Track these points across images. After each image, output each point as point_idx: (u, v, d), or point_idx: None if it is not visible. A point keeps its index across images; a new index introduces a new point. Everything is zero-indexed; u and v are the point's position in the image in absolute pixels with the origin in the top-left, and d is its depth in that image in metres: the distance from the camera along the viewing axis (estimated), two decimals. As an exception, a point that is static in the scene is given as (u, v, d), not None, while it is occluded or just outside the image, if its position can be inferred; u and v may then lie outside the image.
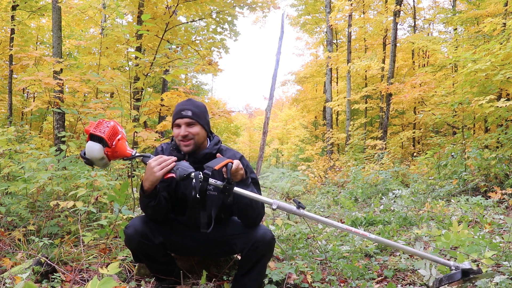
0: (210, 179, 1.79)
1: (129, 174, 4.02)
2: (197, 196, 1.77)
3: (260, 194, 2.04)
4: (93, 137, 1.80)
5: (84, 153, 1.82)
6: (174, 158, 1.83)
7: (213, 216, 1.92)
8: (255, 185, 2.04)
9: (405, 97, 11.30)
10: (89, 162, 1.83)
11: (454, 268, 1.82)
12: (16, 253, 2.47)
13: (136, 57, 5.15)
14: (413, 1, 15.80)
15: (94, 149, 1.79)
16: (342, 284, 2.34)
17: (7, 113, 9.93)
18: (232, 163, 1.80)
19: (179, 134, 1.99)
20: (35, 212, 3.12)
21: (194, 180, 1.78)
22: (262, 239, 1.90)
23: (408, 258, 2.73)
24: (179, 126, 2.00)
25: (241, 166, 1.85)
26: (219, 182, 1.80)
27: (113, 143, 1.82)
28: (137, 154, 1.87)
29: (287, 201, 7.24)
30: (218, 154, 1.92)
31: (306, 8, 18.96)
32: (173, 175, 1.79)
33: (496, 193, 4.27)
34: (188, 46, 8.30)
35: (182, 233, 2.09)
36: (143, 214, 2.08)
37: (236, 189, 1.79)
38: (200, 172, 1.79)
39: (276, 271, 2.29)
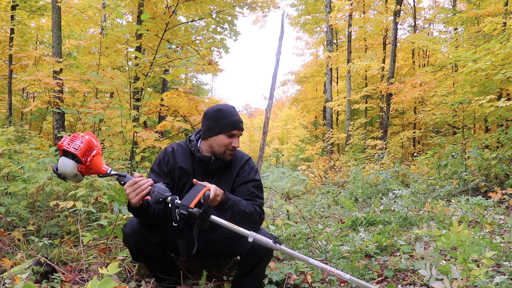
0: (191, 207, 1.72)
1: (129, 174, 4.01)
2: (176, 224, 1.72)
3: (262, 196, 2.03)
4: (66, 153, 1.72)
5: (57, 169, 1.73)
6: (150, 182, 1.76)
7: (195, 235, 1.82)
8: (258, 188, 2.02)
9: (405, 97, 11.30)
10: (62, 177, 1.75)
11: None
12: (16, 253, 2.46)
13: (136, 57, 5.15)
14: (413, 1, 15.80)
15: (67, 165, 1.71)
16: (342, 284, 2.33)
17: (7, 113, 9.94)
18: (210, 190, 1.74)
19: (230, 143, 1.99)
20: (35, 212, 3.12)
21: (170, 205, 1.72)
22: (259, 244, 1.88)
23: (408, 258, 2.73)
24: (233, 136, 2.00)
25: (218, 192, 1.78)
26: (195, 209, 1.72)
27: (88, 160, 1.75)
28: (112, 173, 1.80)
29: (287, 201, 7.23)
30: (194, 180, 1.84)
31: (306, 8, 18.96)
32: (149, 198, 1.74)
33: (496, 193, 4.27)
34: (188, 46, 8.30)
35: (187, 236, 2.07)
36: None
37: (213, 217, 1.73)
38: (177, 197, 1.74)
39: (276, 271, 2.29)
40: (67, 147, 1.72)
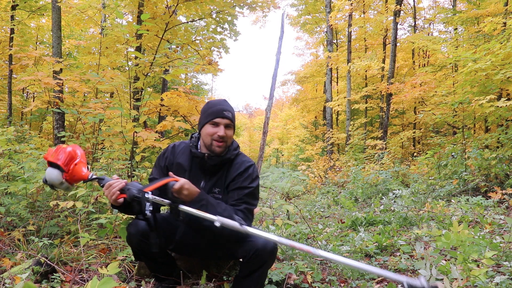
0: (155, 197, 1.79)
1: (129, 174, 4.02)
2: (147, 216, 1.79)
3: (252, 203, 2.00)
4: (51, 164, 1.88)
5: (45, 180, 1.89)
6: (123, 184, 1.82)
7: (177, 236, 1.89)
8: (249, 195, 1.98)
9: (405, 97, 11.30)
10: (52, 186, 1.91)
11: (406, 286, 1.47)
12: (16, 253, 2.46)
13: (136, 57, 5.15)
14: (413, 1, 15.80)
15: (52, 174, 1.86)
16: (342, 284, 2.33)
17: (7, 113, 9.93)
18: (177, 181, 1.79)
19: (215, 133, 1.95)
20: (35, 212, 3.12)
21: (140, 199, 1.79)
22: (263, 248, 1.85)
23: (408, 258, 2.73)
24: (217, 125, 1.96)
25: (187, 186, 1.81)
26: (166, 201, 1.81)
27: (70, 168, 1.89)
28: (93, 177, 1.93)
29: (287, 201, 7.23)
30: (170, 173, 1.89)
31: (306, 8, 18.96)
32: (125, 195, 1.83)
33: (496, 193, 4.27)
34: (188, 46, 8.29)
35: (184, 233, 2.09)
36: None
37: (182, 207, 1.79)
38: (150, 192, 1.79)
39: (276, 271, 2.29)
40: (50, 159, 1.88)
